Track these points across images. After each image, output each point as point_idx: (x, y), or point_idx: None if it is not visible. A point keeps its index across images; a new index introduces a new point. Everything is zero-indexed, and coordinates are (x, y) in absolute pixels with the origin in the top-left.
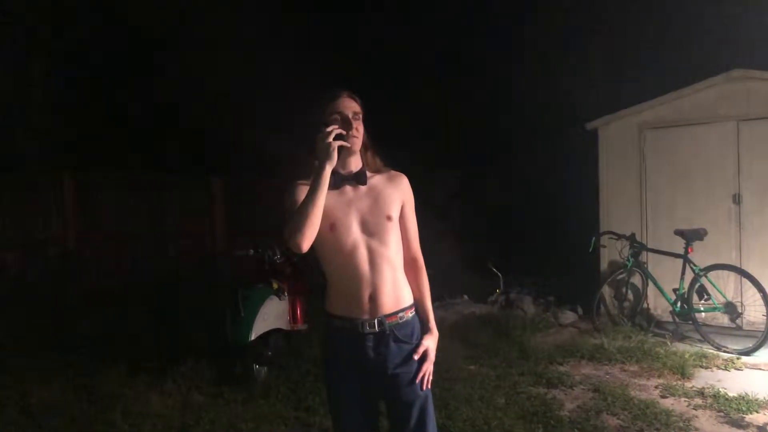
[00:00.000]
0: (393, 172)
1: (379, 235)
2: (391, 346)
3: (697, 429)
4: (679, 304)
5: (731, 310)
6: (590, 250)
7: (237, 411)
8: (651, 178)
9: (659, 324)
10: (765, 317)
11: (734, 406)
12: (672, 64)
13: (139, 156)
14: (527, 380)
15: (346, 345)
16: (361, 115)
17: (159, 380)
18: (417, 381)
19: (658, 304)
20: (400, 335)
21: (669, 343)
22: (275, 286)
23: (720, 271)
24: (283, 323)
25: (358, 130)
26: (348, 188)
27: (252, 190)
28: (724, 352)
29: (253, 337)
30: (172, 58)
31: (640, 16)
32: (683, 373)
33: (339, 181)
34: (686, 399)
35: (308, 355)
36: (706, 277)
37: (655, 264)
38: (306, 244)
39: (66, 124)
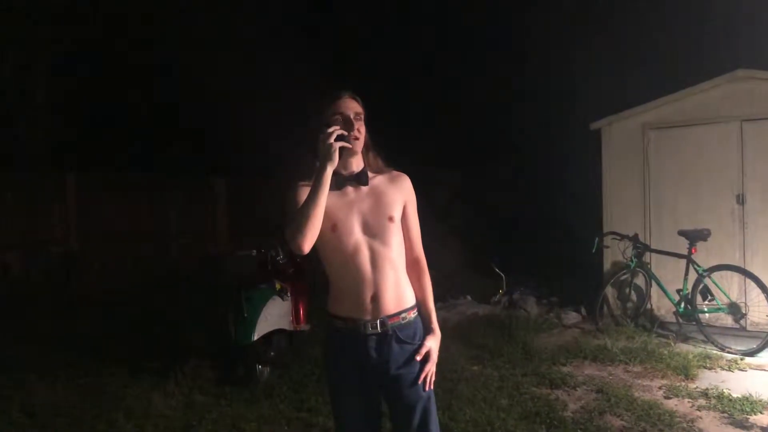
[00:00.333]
0: (395, 173)
1: (380, 235)
2: (394, 347)
3: (700, 430)
4: (682, 305)
5: (735, 310)
6: (593, 250)
7: (239, 411)
8: (654, 178)
9: (663, 325)
10: None
11: (738, 407)
12: (676, 64)
13: (142, 156)
14: (530, 381)
15: (348, 346)
16: (362, 116)
17: (161, 380)
18: (419, 382)
19: (662, 305)
20: (402, 336)
21: (672, 344)
22: (278, 286)
23: (724, 272)
24: (285, 324)
25: (360, 131)
26: (350, 189)
27: (254, 190)
28: (728, 352)
29: (255, 337)
30: (175, 58)
31: (644, 16)
32: (687, 374)
33: (341, 181)
34: (690, 400)
35: (311, 356)
36: (710, 277)
37: (658, 264)
38: (307, 245)
39: (68, 125)
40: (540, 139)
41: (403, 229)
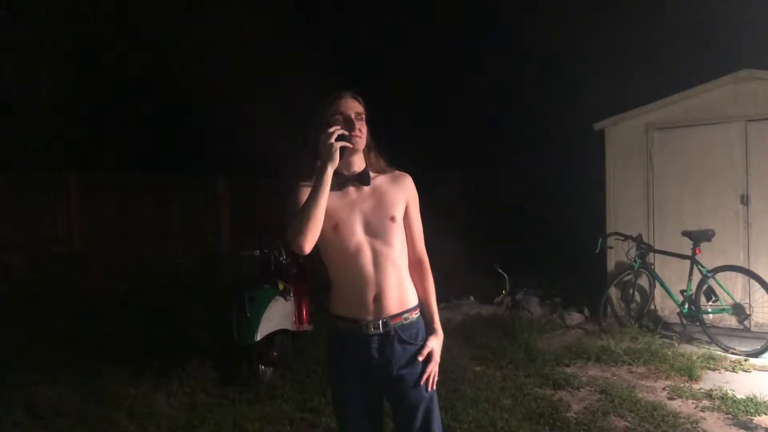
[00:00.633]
0: (397, 173)
1: (383, 235)
2: (396, 347)
3: (704, 431)
4: (686, 306)
5: (739, 311)
6: (597, 251)
7: (242, 411)
8: (658, 178)
9: (666, 325)
10: None
11: (742, 408)
12: (680, 64)
13: (144, 156)
14: (534, 381)
15: (350, 346)
16: (364, 116)
17: (164, 380)
18: (422, 382)
19: (666, 306)
20: (404, 336)
21: (676, 345)
22: (281, 286)
23: (728, 273)
24: (288, 324)
25: (361, 131)
26: (351, 189)
27: (257, 190)
28: (732, 353)
29: (258, 337)
30: (177, 58)
31: (648, 16)
32: (691, 375)
33: (342, 181)
34: (694, 401)
35: (314, 356)
36: (714, 278)
37: (662, 265)
38: (308, 245)
39: (71, 125)
40: (543, 139)
41: (405, 229)
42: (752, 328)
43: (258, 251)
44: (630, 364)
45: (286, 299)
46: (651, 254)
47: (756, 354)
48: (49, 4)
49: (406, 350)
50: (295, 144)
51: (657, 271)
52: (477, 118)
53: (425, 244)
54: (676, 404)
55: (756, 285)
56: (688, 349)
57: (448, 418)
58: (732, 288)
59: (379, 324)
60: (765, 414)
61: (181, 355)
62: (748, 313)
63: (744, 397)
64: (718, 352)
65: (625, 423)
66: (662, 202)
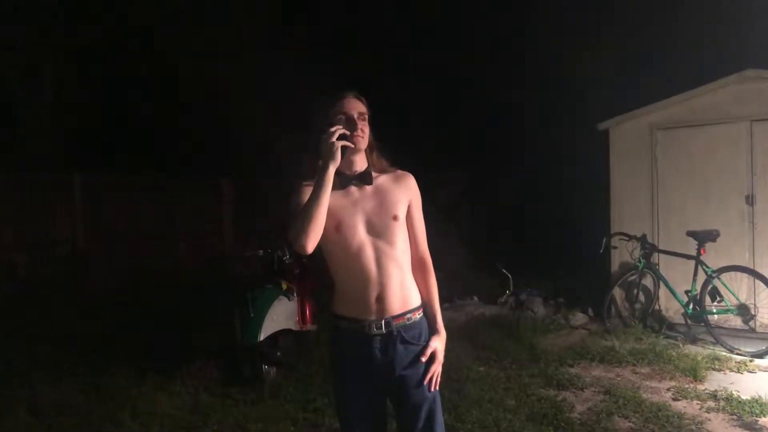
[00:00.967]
0: (399, 172)
1: (385, 235)
2: (398, 347)
3: None
4: (691, 306)
5: (744, 312)
6: (601, 251)
7: (245, 411)
8: (662, 178)
9: (671, 326)
10: None
11: (747, 409)
12: (684, 64)
13: (148, 157)
14: (537, 382)
15: (353, 346)
16: (366, 116)
17: (167, 380)
18: (425, 383)
19: (670, 306)
20: (407, 337)
21: (681, 346)
22: (284, 286)
23: (733, 273)
24: (292, 323)
25: (364, 131)
26: (353, 188)
27: (260, 190)
28: (737, 354)
29: (262, 337)
30: (181, 59)
31: (652, 16)
32: (695, 376)
33: (344, 181)
34: (698, 402)
35: (317, 356)
36: (719, 278)
37: (666, 265)
38: (310, 245)
39: (75, 125)
40: (547, 139)
41: (408, 228)
42: (757, 329)
43: (261, 251)
44: (634, 365)
45: (289, 299)
46: (655, 254)
47: (761, 355)
48: (53, 4)
49: (409, 350)
50: (299, 144)
51: (661, 271)
52: (480, 118)
53: (428, 243)
54: (681, 405)
55: (761, 285)
56: (692, 349)
57: (452, 419)
58: (737, 288)
59: (381, 324)
60: None
61: (184, 355)
62: (753, 313)
63: (749, 398)
64: (723, 353)
65: (630, 424)
66: (667, 202)
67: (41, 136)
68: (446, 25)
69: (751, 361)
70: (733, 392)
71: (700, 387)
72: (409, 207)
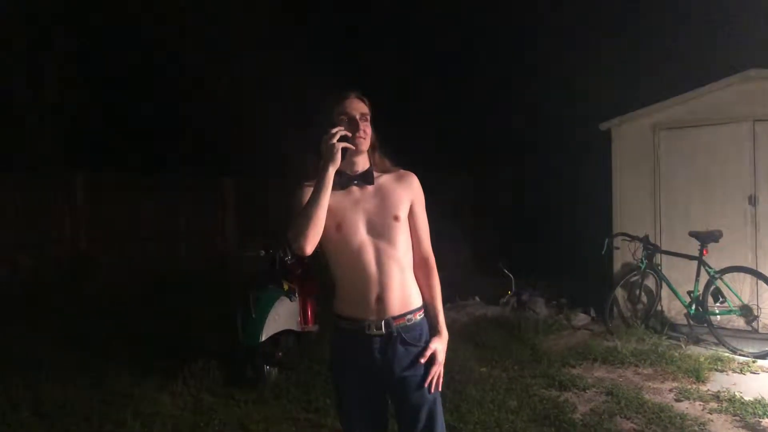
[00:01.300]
0: (402, 172)
1: (386, 235)
2: (399, 348)
3: None
4: (693, 307)
5: (747, 312)
6: (603, 251)
7: (247, 412)
8: (665, 178)
9: (673, 327)
10: None
11: (750, 410)
12: (687, 63)
13: (151, 157)
14: (539, 383)
15: (353, 346)
16: (369, 116)
17: (170, 381)
18: (425, 384)
19: (673, 307)
20: (407, 338)
21: (683, 346)
22: (286, 287)
23: (735, 274)
24: (293, 324)
25: (366, 132)
26: (355, 188)
27: (263, 190)
28: (740, 355)
29: (263, 338)
30: (185, 58)
31: (655, 16)
32: (698, 377)
33: (346, 181)
34: (701, 403)
35: (319, 356)
36: (722, 279)
37: (669, 266)
38: (309, 247)
39: (78, 125)
40: (549, 140)
41: (411, 228)
42: (760, 330)
43: (263, 251)
44: (637, 366)
45: (291, 299)
46: (658, 255)
47: (764, 355)
48: (59, 4)
49: (409, 352)
50: (301, 143)
51: (664, 272)
52: (483, 118)
53: (431, 243)
54: (684, 406)
55: (764, 286)
56: (695, 350)
57: (454, 420)
58: (740, 289)
59: (381, 324)
60: None
61: (186, 356)
62: (755, 314)
63: (752, 399)
64: (726, 354)
65: (632, 425)
66: (669, 202)
67: (43, 136)
68: (449, 24)
69: (753, 362)
70: (736, 393)
71: (703, 388)
72: (411, 206)
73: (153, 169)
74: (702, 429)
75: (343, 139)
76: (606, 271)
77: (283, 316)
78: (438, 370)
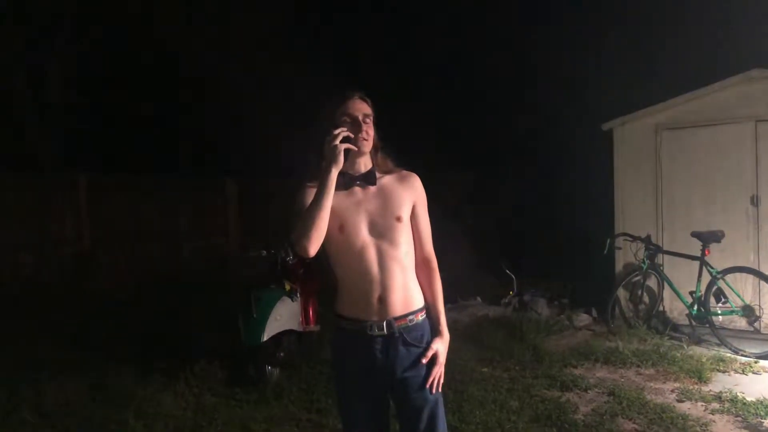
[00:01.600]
0: (404, 172)
1: (388, 236)
2: (400, 349)
3: None
4: (695, 307)
5: (749, 313)
6: (605, 251)
7: (249, 412)
8: (667, 179)
9: (675, 327)
10: None
11: (752, 410)
12: (689, 64)
13: (153, 157)
14: (541, 383)
15: (354, 347)
16: (371, 117)
17: (172, 381)
18: (427, 385)
19: (674, 307)
20: (409, 338)
21: (685, 347)
22: (288, 287)
23: (737, 274)
24: (295, 324)
25: (368, 133)
26: (357, 189)
27: (265, 191)
28: (742, 355)
29: (265, 338)
30: (187, 60)
31: (657, 16)
32: (700, 377)
33: (348, 182)
34: (703, 403)
35: (321, 357)
36: (724, 279)
37: (671, 266)
38: (313, 247)
39: (81, 126)
40: (552, 140)
41: (413, 229)
42: (762, 330)
43: (265, 251)
44: (638, 366)
45: (292, 299)
46: (660, 255)
47: (766, 356)
48: (61, 5)
49: (411, 352)
50: (303, 143)
51: (666, 272)
52: (484, 118)
53: (433, 244)
54: (685, 407)
55: (766, 286)
56: (697, 351)
57: (456, 420)
58: (742, 289)
59: (383, 325)
60: None
61: (188, 356)
62: (758, 314)
63: (754, 399)
64: (728, 354)
65: (634, 425)
66: (671, 202)
67: (46, 137)
68: (451, 24)
69: (756, 362)
70: (738, 394)
71: (705, 388)
72: (413, 207)
73: (154, 169)
74: (704, 430)
75: (345, 140)
76: (608, 271)
77: (284, 316)
78: (439, 370)
